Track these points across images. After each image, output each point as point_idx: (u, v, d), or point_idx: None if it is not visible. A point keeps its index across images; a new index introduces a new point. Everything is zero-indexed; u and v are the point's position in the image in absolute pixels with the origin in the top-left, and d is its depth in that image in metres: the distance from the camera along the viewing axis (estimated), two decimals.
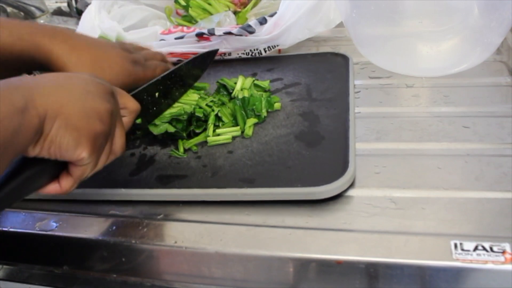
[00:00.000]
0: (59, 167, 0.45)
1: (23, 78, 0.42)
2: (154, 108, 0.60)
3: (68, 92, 0.43)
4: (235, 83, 0.69)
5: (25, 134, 0.38)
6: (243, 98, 0.64)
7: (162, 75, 0.62)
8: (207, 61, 0.70)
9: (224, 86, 0.69)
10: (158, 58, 0.69)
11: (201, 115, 0.63)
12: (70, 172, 0.45)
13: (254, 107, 0.64)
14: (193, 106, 0.64)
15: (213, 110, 0.64)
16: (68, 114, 0.41)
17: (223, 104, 0.66)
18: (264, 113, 0.65)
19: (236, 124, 0.64)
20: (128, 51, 0.64)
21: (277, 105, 0.67)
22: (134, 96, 0.54)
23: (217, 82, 0.70)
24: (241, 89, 0.67)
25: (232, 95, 0.67)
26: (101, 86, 0.46)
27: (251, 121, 0.64)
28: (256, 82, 0.70)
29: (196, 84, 0.68)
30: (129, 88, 0.56)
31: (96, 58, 0.59)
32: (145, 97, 0.58)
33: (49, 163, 0.43)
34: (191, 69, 0.66)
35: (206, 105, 0.65)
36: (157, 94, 0.60)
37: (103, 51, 0.60)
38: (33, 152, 0.41)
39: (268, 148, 0.59)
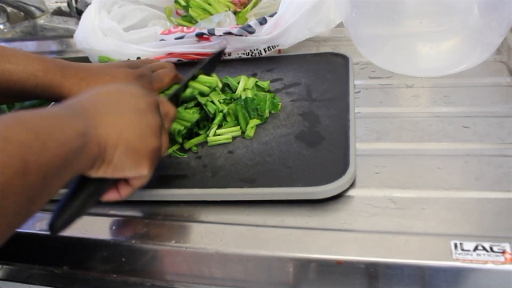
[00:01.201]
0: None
1: (80, 101, 0.44)
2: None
3: (125, 116, 0.45)
4: (238, 82, 0.69)
5: (83, 160, 0.40)
6: (246, 98, 0.64)
7: (187, 77, 0.65)
8: (216, 61, 0.73)
9: (228, 86, 0.69)
10: (166, 67, 0.71)
11: (212, 110, 0.63)
12: (129, 183, 0.48)
13: (258, 106, 0.64)
14: (205, 99, 0.64)
15: (221, 111, 0.64)
16: (127, 139, 0.44)
17: (231, 102, 0.66)
18: (267, 114, 0.65)
19: (238, 125, 0.64)
20: (133, 67, 0.67)
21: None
22: (169, 100, 0.57)
23: (221, 80, 0.70)
24: (244, 90, 0.67)
25: (235, 95, 0.67)
26: (149, 99, 0.48)
27: (254, 122, 0.63)
28: (257, 82, 0.70)
29: (205, 78, 0.68)
30: None
31: (104, 83, 0.61)
32: (174, 100, 0.61)
33: (109, 179, 0.45)
34: (207, 69, 0.69)
35: (218, 101, 0.65)
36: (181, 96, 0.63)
37: (110, 76, 0.63)
38: (95, 175, 0.43)
39: (268, 148, 0.59)
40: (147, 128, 0.46)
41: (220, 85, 0.68)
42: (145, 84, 0.64)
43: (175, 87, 0.65)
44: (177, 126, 0.61)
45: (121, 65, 0.67)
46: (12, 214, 0.33)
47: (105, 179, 0.45)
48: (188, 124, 0.62)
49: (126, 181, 0.48)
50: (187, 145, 0.62)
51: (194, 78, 0.66)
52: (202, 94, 0.65)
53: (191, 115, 0.62)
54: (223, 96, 0.66)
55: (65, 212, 0.43)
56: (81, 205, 0.44)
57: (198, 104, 0.65)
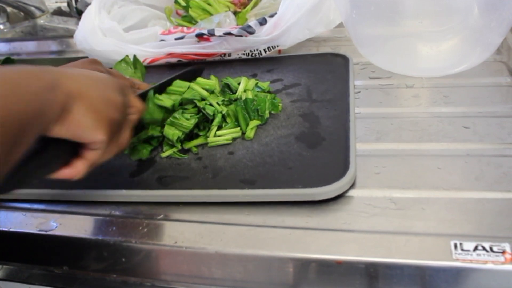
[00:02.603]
0: (72, 153, 0.47)
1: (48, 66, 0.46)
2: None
3: (91, 80, 0.47)
4: (239, 83, 0.69)
5: (53, 109, 0.41)
6: (246, 99, 0.64)
7: (159, 82, 0.65)
8: (196, 75, 0.72)
9: (228, 86, 0.69)
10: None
11: (211, 112, 0.63)
12: (84, 156, 0.47)
13: (259, 107, 0.64)
14: (203, 102, 0.65)
15: (220, 112, 0.64)
16: (90, 97, 0.45)
17: (230, 103, 0.66)
18: (267, 114, 0.65)
19: (238, 126, 0.64)
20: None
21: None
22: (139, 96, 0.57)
23: (222, 81, 0.70)
24: (244, 91, 0.67)
25: (235, 96, 0.67)
26: (117, 81, 0.51)
27: (254, 123, 0.63)
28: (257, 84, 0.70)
29: (204, 81, 0.68)
30: None
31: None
32: (144, 98, 0.60)
33: (64, 146, 0.45)
34: (183, 79, 0.68)
35: (217, 103, 0.65)
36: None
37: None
38: (57, 130, 0.43)
39: (268, 149, 0.59)
40: (109, 99, 0.48)
41: (219, 88, 0.69)
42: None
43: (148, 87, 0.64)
44: (175, 132, 0.61)
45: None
46: None
47: (63, 147, 0.45)
48: (186, 131, 0.62)
49: (81, 156, 0.47)
50: (187, 145, 0.62)
51: (166, 85, 0.66)
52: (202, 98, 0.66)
53: (188, 121, 0.62)
54: (221, 98, 0.66)
55: (16, 174, 0.42)
56: (33, 169, 0.44)
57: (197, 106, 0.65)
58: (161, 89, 0.65)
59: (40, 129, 0.41)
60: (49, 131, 0.43)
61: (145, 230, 0.52)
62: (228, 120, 0.64)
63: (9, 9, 1.27)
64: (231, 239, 0.49)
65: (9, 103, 0.36)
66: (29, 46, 1.15)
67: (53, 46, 1.13)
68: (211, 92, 0.67)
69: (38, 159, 0.44)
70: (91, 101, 0.45)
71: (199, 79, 0.69)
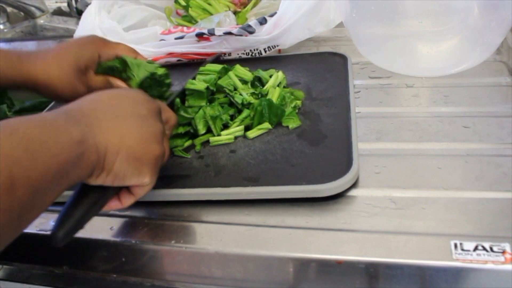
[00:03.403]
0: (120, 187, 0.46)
1: (80, 107, 0.42)
2: None
3: (125, 122, 0.43)
4: (271, 76, 0.69)
5: (80, 169, 0.38)
6: (271, 103, 0.63)
7: (183, 87, 0.64)
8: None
9: (259, 79, 0.69)
10: None
11: (239, 101, 0.64)
12: (132, 192, 0.46)
13: (280, 111, 0.63)
14: (233, 91, 0.65)
15: (248, 103, 0.64)
16: (128, 146, 0.42)
17: (259, 97, 0.65)
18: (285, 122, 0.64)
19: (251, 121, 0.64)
20: None
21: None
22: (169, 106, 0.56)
23: (253, 73, 0.70)
24: (273, 87, 0.67)
25: (264, 90, 0.67)
26: (150, 105, 0.47)
27: (264, 125, 0.62)
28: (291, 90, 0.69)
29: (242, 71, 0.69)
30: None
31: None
32: (172, 106, 0.61)
33: (111, 188, 0.44)
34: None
35: (247, 94, 0.65)
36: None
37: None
38: (95, 182, 0.41)
39: (270, 147, 0.59)
40: (149, 135, 0.44)
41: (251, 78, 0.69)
42: None
43: (172, 94, 0.65)
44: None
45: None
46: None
47: (107, 188, 0.44)
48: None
49: (128, 189, 0.46)
50: (197, 142, 0.62)
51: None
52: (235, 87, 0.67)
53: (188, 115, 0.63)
54: (252, 90, 0.66)
55: (67, 223, 0.42)
56: (82, 215, 0.43)
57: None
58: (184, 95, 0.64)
59: (70, 184, 0.37)
60: (90, 182, 0.41)
61: (145, 230, 0.52)
62: (250, 112, 0.64)
63: (9, 9, 1.27)
64: (231, 239, 0.49)
65: (16, 168, 0.31)
66: (29, 46, 1.15)
67: (53, 46, 1.13)
68: (245, 82, 0.67)
69: (88, 201, 0.43)
70: (131, 149, 0.42)
71: (238, 67, 0.68)
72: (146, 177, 0.44)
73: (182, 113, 0.62)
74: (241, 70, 0.69)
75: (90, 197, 0.43)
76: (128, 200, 0.47)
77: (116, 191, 0.46)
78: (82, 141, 0.37)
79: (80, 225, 0.43)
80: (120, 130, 0.42)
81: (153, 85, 0.62)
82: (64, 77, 0.59)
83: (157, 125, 0.46)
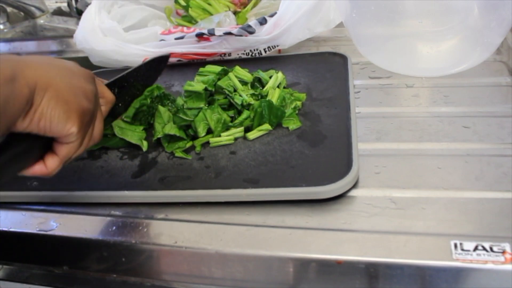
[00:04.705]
0: (45, 148, 0.44)
1: (9, 54, 0.43)
2: (119, 105, 0.60)
3: (56, 68, 0.43)
4: (270, 77, 0.69)
5: (16, 104, 0.38)
6: (271, 104, 0.62)
7: (127, 71, 0.61)
8: (162, 66, 0.69)
9: (259, 80, 0.69)
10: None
11: (239, 102, 0.64)
12: (55, 151, 0.45)
13: (280, 112, 0.63)
14: (233, 93, 0.65)
15: (248, 104, 0.64)
16: (57, 87, 0.42)
17: (259, 98, 0.65)
18: (285, 123, 0.64)
19: (251, 122, 0.64)
20: None
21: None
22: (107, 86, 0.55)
23: (253, 74, 0.70)
24: (273, 88, 0.67)
25: (264, 92, 0.67)
26: (84, 70, 0.48)
27: (265, 126, 0.62)
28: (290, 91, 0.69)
29: (242, 72, 0.69)
30: None
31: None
32: (112, 90, 0.57)
33: (35, 141, 0.43)
34: (148, 70, 0.66)
35: (247, 95, 0.65)
36: (118, 89, 0.60)
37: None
38: (22, 125, 0.41)
39: (270, 148, 0.59)
40: (79, 87, 0.44)
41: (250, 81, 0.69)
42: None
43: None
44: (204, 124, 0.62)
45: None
46: None
47: (33, 142, 0.43)
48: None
49: (53, 151, 0.45)
50: (197, 143, 0.62)
51: (131, 74, 0.63)
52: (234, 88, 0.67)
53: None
54: (251, 91, 0.66)
55: None
56: (2, 166, 0.42)
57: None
58: (123, 82, 0.61)
59: (6, 123, 0.38)
60: (15, 126, 0.40)
61: (145, 230, 0.52)
62: (250, 113, 0.64)
63: (9, 9, 1.27)
64: (231, 239, 0.49)
65: None
66: (29, 46, 1.15)
67: (53, 46, 1.13)
68: (245, 83, 0.67)
69: (7, 155, 0.42)
70: (59, 90, 0.42)
71: (237, 68, 0.68)
72: (73, 126, 0.43)
73: (181, 115, 0.62)
74: (240, 71, 0.69)
75: (14, 147, 0.42)
76: (51, 163, 0.45)
77: (40, 154, 0.45)
78: (13, 76, 0.38)
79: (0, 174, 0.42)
80: (50, 71, 0.42)
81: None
82: None
83: (89, 84, 0.46)
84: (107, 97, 0.52)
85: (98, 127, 0.49)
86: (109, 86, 0.56)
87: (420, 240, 0.45)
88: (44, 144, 0.44)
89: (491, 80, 0.70)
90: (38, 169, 0.45)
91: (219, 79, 0.67)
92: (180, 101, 0.65)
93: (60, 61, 0.46)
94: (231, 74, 0.67)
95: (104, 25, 0.85)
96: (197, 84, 0.65)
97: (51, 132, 0.43)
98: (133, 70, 0.62)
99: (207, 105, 0.64)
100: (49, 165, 0.45)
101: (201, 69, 0.70)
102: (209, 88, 0.65)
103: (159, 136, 0.62)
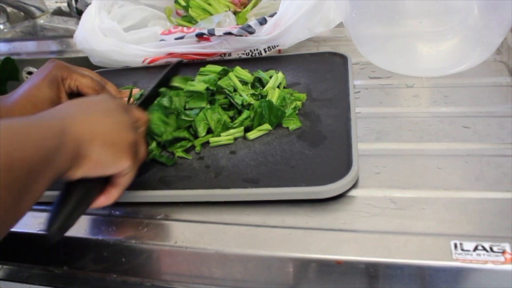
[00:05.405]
0: (105, 180, 0.48)
1: (53, 110, 0.45)
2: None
3: (96, 114, 0.46)
4: (271, 76, 0.69)
5: (63, 157, 0.41)
6: (271, 104, 0.62)
7: (154, 85, 0.65)
8: (178, 69, 0.73)
9: (260, 80, 0.69)
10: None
11: (239, 102, 0.64)
12: (115, 183, 0.48)
13: (280, 112, 0.63)
14: (233, 92, 0.65)
15: (248, 104, 0.64)
16: (102, 133, 0.45)
17: (259, 98, 0.65)
18: (285, 124, 0.64)
19: (251, 121, 0.63)
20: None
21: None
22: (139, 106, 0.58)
23: (253, 74, 0.70)
24: (273, 88, 0.67)
25: (264, 91, 0.67)
26: (116, 102, 0.50)
27: (265, 126, 0.62)
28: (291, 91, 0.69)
29: (242, 72, 0.69)
30: None
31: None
32: (143, 107, 0.61)
33: (95, 181, 0.46)
34: (168, 80, 0.69)
35: (247, 95, 0.65)
36: (146, 104, 0.63)
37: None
38: (77, 175, 0.43)
39: (270, 148, 0.59)
40: (119, 123, 0.47)
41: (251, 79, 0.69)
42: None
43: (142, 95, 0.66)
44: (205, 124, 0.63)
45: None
46: (2, 209, 0.35)
47: (93, 182, 0.46)
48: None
49: (112, 183, 0.48)
50: (197, 142, 0.62)
51: (159, 86, 0.66)
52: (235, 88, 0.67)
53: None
54: (252, 91, 0.67)
55: (57, 218, 0.44)
56: (72, 211, 0.45)
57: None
58: (150, 100, 0.64)
59: (54, 175, 0.40)
60: (69, 176, 0.43)
61: (145, 230, 0.52)
62: (250, 113, 0.64)
63: (9, 9, 1.27)
64: (231, 239, 0.49)
65: (12, 150, 0.36)
66: (29, 46, 1.15)
67: (53, 46, 1.13)
68: (245, 83, 0.68)
69: (75, 198, 0.45)
70: (105, 136, 0.45)
71: (238, 69, 0.69)
72: (125, 161, 0.46)
73: (183, 117, 0.63)
74: (241, 71, 0.69)
75: (76, 193, 0.45)
76: (114, 193, 0.49)
77: (102, 187, 0.48)
78: (61, 130, 0.41)
79: (70, 220, 0.45)
80: (92, 121, 0.45)
81: None
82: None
83: (125, 116, 0.49)
84: (142, 118, 0.55)
85: (143, 148, 0.52)
86: (141, 105, 0.61)
87: (420, 240, 0.45)
88: (103, 180, 0.47)
89: (491, 80, 0.70)
90: (102, 202, 0.49)
91: (219, 79, 0.67)
92: (176, 101, 0.65)
93: (96, 103, 0.48)
94: (231, 74, 0.67)
95: (104, 25, 0.85)
96: (198, 84, 0.65)
97: (107, 174, 0.46)
98: (157, 84, 0.66)
99: (208, 105, 0.64)
100: (112, 195, 0.49)
101: (202, 69, 0.70)
102: (211, 88, 0.65)
103: (167, 139, 0.61)
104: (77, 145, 0.42)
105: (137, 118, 0.54)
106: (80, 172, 0.43)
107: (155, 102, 0.63)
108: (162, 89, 0.67)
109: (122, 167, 0.47)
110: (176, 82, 0.71)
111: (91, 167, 0.44)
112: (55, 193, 0.57)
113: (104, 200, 0.49)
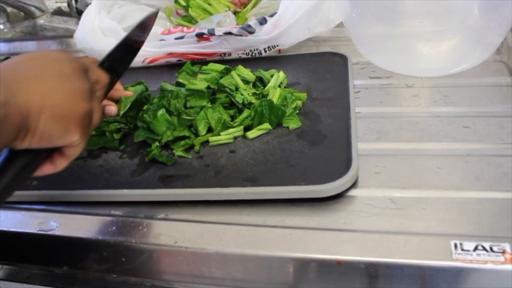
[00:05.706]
0: (51, 149, 0.45)
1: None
2: (113, 76, 0.57)
3: (47, 79, 0.42)
4: (272, 75, 0.69)
5: (7, 130, 0.38)
6: (272, 104, 0.62)
7: (118, 42, 0.58)
8: (151, 25, 0.63)
9: (261, 79, 0.69)
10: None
11: (240, 101, 0.64)
12: (63, 153, 0.45)
13: (280, 112, 0.63)
14: (234, 91, 0.65)
15: (249, 103, 0.64)
16: (52, 104, 0.41)
17: (260, 98, 0.65)
18: (286, 123, 0.64)
19: (251, 120, 0.63)
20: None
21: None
22: (100, 66, 0.53)
23: (254, 73, 0.70)
24: (274, 87, 0.67)
25: (266, 91, 0.66)
26: (74, 64, 0.46)
27: (264, 126, 0.62)
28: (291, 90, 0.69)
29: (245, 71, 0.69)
30: None
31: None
32: (106, 66, 0.55)
33: (40, 150, 0.43)
34: (137, 34, 0.61)
35: (248, 94, 0.65)
36: (109, 63, 0.57)
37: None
38: (21, 146, 0.41)
39: (270, 147, 0.59)
40: (73, 92, 0.43)
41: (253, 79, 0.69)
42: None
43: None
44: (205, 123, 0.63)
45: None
46: None
47: (37, 151, 0.43)
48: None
49: (60, 151, 0.45)
50: (197, 141, 0.62)
51: (125, 43, 0.59)
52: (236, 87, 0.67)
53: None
54: (253, 90, 0.66)
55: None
56: (13, 178, 0.42)
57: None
58: (116, 57, 0.58)
59: (1, 146, 0.38)
60: (14, 146, 0.41)
61: (145, 230, 0.52)
62: (251, 112, 0.64)
63: (9, 9, 1.27)
64: (231, 239, 0.49)
65: None
66: (29, 46, 1.15)
67: (53, 46, 1.13)
68: (247, 82, 0.68)
69: (16, 166, 0.42)
70: (55, 107, 0.41)
71: (240, 67, 0.69)
72: (74, 135, 0.43)
73: (184, 116, 0.63)
74: (243, 70, 0.69)
75: (18, 161, 0.43)
76: (61, 163, 0.46)
77: (48, 154, 0.45)
78: (5, 101, 0.38)
79: (10, 188, 0.43)
80: (41, 90, 0.41)
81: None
82: None
83: (82, 82, 0.45)
84: (102, 80, 0.50)
85: (97, 114, 0.48)
86: (101, 65, 0.54)
87: (420, 240, 0.45)
88: (50, 148, 0.45)
89: (491, 80, 0.70)
90: (47, 169, 0.46)
91: (221, 78, 0.67)
92: (176, 103, 0.65)
93: (50, 64, 0.44)
94: (233, 73, 0.68)
95: (104, 25, 0.85)
96: (199, 82, 0.65)
97: (55, 145, 0.43)
98: (122, 41, 0.59)
99: (209, 103, 0.64)
100: (58, 164, 0.46)
101: (203, 67, 0.70)
102: (212, 86, 0.65)
103: (169, 139, 0.61)
104: (23, 118, 0.39)
105: (96, 80, 0.49)
106: (25, 144, 0.41)
107: (159, 102, 0.63)
108: (162, 89, 0.67)
109: (71, 140, 0.43)
110: (180, 78, 0.71)
111: (36, 140, 0.41)
112: (53, 192, 0.58)
113: (50, 168, 0.46)
